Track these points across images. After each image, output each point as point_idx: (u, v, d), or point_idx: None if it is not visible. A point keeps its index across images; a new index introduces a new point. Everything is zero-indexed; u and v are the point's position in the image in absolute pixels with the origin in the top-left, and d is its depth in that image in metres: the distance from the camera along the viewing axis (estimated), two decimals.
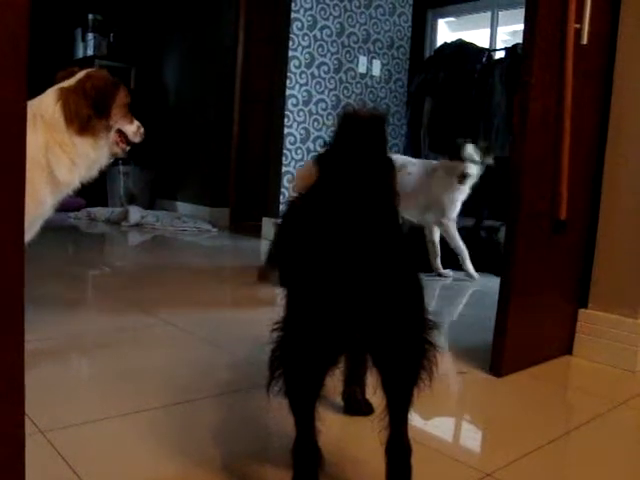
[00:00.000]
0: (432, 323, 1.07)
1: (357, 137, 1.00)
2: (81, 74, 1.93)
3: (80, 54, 6.86)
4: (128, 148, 2.08)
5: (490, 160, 3.84)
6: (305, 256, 1.06)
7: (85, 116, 1.86)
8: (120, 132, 2.03)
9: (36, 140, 1.77)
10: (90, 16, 6.70)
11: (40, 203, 1.80)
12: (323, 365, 1.03)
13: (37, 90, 1.75)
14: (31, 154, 1.68)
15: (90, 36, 6.67)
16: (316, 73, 5.20)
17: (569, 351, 2.20)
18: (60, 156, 1.81)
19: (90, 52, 6.67)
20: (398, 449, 1.07)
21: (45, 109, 1.81)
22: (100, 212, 5.70)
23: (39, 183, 1.78)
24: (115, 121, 1.99)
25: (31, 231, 1.83)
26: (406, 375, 1.05)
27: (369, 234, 0.99)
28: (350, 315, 0.99)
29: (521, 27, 1.92)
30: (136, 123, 2.08)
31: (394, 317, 1.00)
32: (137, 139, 2.08)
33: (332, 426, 1.40)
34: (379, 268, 0.99)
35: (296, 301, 1.08)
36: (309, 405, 1.07)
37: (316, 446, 1.09)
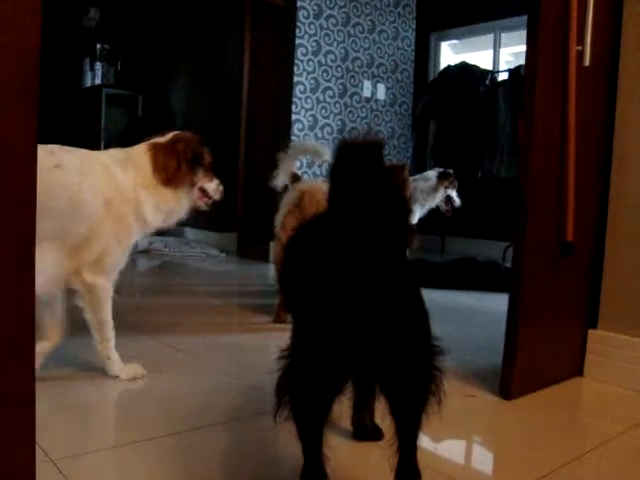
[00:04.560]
0: (438, 348, 1.07)
1: (355, 166, 1.00)
2: (170, 135, 2.11)
3: (88, 83, 6.95)
4: (210, 202, 2.22)
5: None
6: (311, 285, 1.07)
7: (171, 171, 2.03)
8: (202, 189, 2.18)
9: (127, 179, 1.95)
10: (98, 46, 6.80)
11: (131, 234, 1.98)
12: (330, 392, 1.03)
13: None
14: (122, 190, 1.91)
15: (98, 65, 6.77)
16: (321, 98, 5.25)
17: (579, 372, 2.18)
18: (146, 197, 1.98)
19: (98, 81, 6.75)
20: (408, 474, 1.06)
21: (137, 156, 2.01)
22: None
23: (129, 217, 1.95)
24: (198, 179, 2.14)
25: (124, 260, 1.99)
26: (413, 401, 1.05)
27: (374, 261, 0.99)
28: (356, 343, 0.99)
29: (524, 48, 1.94)
30: (216, 181, 2.22)
31: (400, 344, 1.00)
32: (217, 196, 2.22)
33: (341, 452, 1.39)
34: (384, 294, 0.99)
35: (303, 329, 1.08)
36: (317, 431, 1.07)
37: (324, 472, 1.09)
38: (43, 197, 1.77)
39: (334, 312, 0.99)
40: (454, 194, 4.41)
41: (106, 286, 1.94)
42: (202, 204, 2.21)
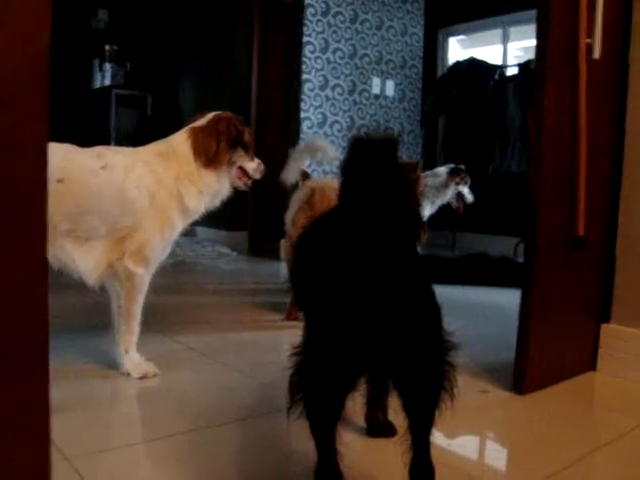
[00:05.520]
0: (451, 344, 1.06)
1: (369, 161, 0.99)
2: (210, 115, 2.14)
3: (98, 84, 6.98)
4: (250, 182, 2.23)
5: None
6: (323, 281, 1.07)
7: (212, 152, 2.05)
8: (242, 168, 2.18)
9: (169, 172, 2.00)
10: (107, 47, 6.83)
11: (173, 228, 2.04)
12: (343, 389, 1.04)
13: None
14: (165, 184, 1.95)
15: (107, 66, 6.79)
16: (330, 95, 5.25)
17: (592, 367, 2.17)
18: (188, 186, 2.02)
19: (107, 82, 6.78)
20: (421, 470, 1.07)
21: (177, 144, 2.05)
22: None
23: (172, 210, 2.01)
24: (237, 158, 2.14)
25: (165, 252, 2.07)
26: (426, 397, 1.05)
27: (386, 258, 0.99)
28: (368, 338, 0.99)
29: (533, 42, 1.93)
30: (257, 161, 2.22)
31: (412, 340, 1.00)
32: (257, 175, 2.23)
33: (354, 448, 1.39)
34: (396, 290, 0.99)
35: (315, 325, 1.08)
36: (330, 428, 1.07)
37: (337, 469, 1.09)
38: (92, 198, 1.86)
39: (346, 308, 0.99)
40: (466, 190, 4.38)
41: (144, 277, 1.98)
42: (241, 184, 2.20)
